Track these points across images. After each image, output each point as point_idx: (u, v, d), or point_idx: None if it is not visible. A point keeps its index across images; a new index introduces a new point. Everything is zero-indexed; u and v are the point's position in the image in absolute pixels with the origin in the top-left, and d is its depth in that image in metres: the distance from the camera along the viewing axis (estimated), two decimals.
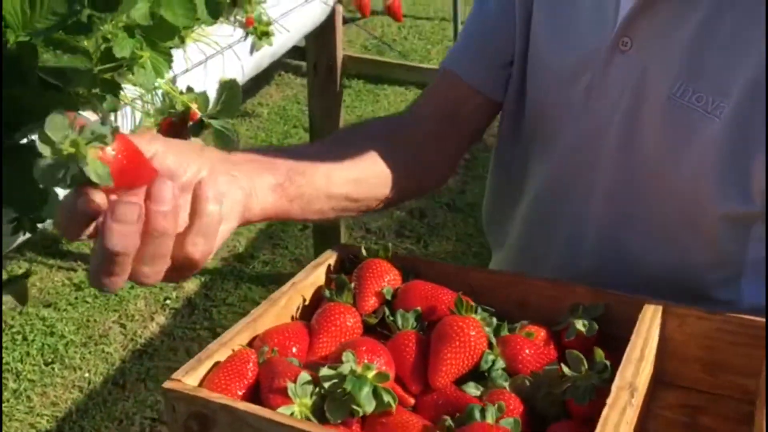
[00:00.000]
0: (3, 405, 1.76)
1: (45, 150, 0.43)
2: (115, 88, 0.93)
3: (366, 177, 0.73)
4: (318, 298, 0.74)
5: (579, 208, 0.80)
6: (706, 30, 0.69)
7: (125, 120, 1.09)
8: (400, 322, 0.66)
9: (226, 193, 0.54)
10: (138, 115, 1.11)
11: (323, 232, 2.16)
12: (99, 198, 0.45)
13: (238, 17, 1.41)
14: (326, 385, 0.57)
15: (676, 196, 0.73)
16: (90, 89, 0.92)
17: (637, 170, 0.75)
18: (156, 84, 1.06)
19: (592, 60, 0.75)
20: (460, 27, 3.42)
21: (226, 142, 1.05)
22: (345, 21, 2.57)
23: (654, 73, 0.72)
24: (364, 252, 0.74)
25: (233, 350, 0.63)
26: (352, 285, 0.71)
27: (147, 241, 0.47)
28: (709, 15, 0.69)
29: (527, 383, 0.61)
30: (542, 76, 0.81)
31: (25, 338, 1.97)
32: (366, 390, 0.56)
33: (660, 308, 0.65)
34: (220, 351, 0.62)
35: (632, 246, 0.77)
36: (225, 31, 1.38)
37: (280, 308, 0.70)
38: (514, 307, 0.71)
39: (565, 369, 0.60)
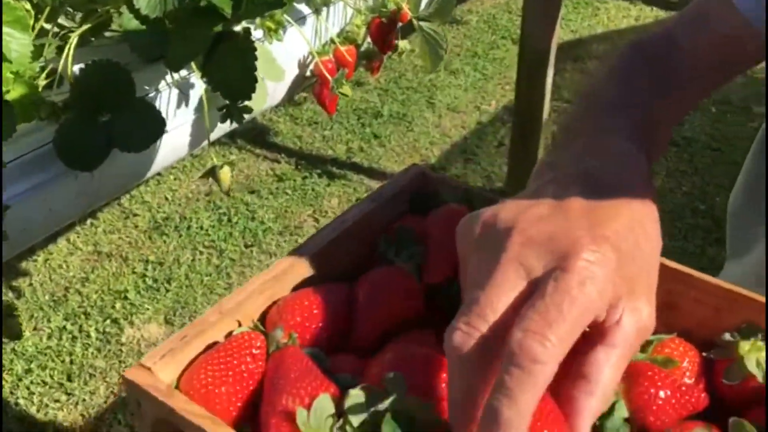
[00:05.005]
0: (206, 278, 1.93)
1: None
2: None
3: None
4: (374, 243, 0.52)
5: None
6: None
7: (336, 17, 1.07)
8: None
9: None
10: (349, 11, 1.08)
11: (519, 152, 2.07)
12: None
13: None
14: (354, 421, 0.36)
15: None
16: None
17: None
18: None
19: None
20: None
21: (433, 49, 1.00)
22: None
23: None
24: (442, 192, 0.52)
25: (239, 323, 0.43)
26: (418, 248, 0.49)
27: None
28: None
29: None
30: None
31: (229, 220, 2.12)
32: None
33: None
34: (217, 326, 0.41)
35: None
36: None
37: (321, 258, 0.48)
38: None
39: None
